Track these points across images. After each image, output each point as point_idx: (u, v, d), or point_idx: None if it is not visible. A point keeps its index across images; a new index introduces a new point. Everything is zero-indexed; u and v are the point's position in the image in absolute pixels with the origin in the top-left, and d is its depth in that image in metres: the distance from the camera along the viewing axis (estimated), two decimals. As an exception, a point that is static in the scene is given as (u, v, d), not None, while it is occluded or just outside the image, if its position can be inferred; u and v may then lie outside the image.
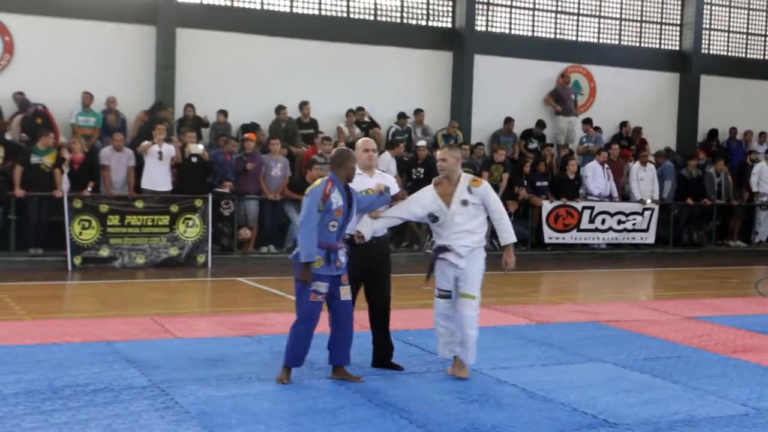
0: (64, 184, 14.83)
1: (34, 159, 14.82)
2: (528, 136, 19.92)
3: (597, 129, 20.77)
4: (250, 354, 8.27)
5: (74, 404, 6.52)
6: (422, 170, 16.94)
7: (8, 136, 15.64)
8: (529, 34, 21.27)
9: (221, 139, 16.47)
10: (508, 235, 7.75)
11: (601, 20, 22.13)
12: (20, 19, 16.80)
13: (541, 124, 20.22)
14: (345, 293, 7.34)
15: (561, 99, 20.90)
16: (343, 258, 7.30)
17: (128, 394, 6.81)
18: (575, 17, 21.82)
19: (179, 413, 6.38)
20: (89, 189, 14.96)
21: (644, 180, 19.23)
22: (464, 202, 7.53)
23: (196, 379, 7.30)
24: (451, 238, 7.54)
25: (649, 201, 19.05)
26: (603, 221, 18.77)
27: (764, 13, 24.06)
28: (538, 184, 18.38)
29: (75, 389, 6.91)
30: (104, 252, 14.46)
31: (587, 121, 20.82)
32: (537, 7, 21.36)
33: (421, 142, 17.94)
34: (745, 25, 23.89)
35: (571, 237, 18.51)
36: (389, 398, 6.94)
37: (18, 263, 14.36)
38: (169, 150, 15.35)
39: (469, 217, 7.56)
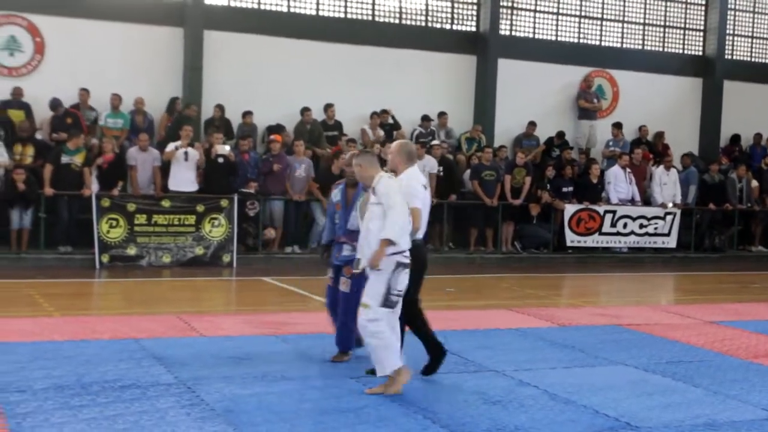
0: (93, 183, 14.92)
1: (64, 158, 14.92)
2: (551, 144, 19.84)
3: (621, 132, 20.69)
4: (275, 353, 8.29)
5: (102, 400, 6.55)
6: (441, 168, 16.98)
7: (39, 136, 15.75)
8: (553, 38, 21.23)
9: (240, 142, 16.51)
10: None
11: (625, 25, 22.05)
12: (51, 20, 16.90)
13: (561, 135, 20.10)
14: (343, 285, 7.70)
15: (588, 100, 20.91)
16: (344, 251, 7.65)
17: (155, 391, 6.83)
18: (599, 22, 21.74)
19: (205, 410, 6.40)
20: (118, 188, 15.05)
21: (667, 184, 19.17)
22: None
23: (222, 377, 7.31)
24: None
25: (670, 205, 18.97)
26: (625, 225, 18.69)
27: (788, 19, 23.95)
28: (564, 189, 18.34)
29: (103, 385, 6.93)
30: (131, 250, 14.53)
31: (617, 126, 20.70)
32: (561, 11, 21.30)
33: (435, 141, 18.00)
34: (769, 31, 23.80)
35: (593, 240, 18.44)
36: (412, 398, 6.92)
37: (47, 260, 14.46)
38: (194, 151, 15.40)
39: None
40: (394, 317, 7.08)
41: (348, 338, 7.92)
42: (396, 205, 6.85)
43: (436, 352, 7.54)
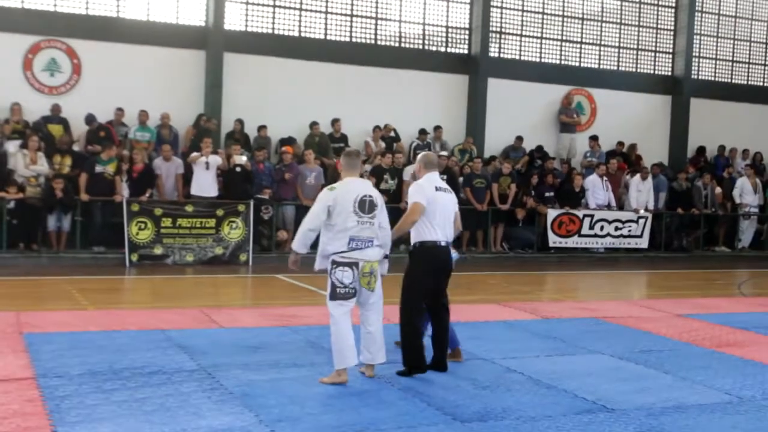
0: (124, 190, 14.94)
1: (98, 168, 14.96)
2: (533, 156, 19.86)
3: (598, 145, 20.73)
4: (287, 342, 8.30)
5: (132, 384, 6.58)
6: (445, 177, 16.98)
7: (75, 148, 15.80)
8: (537, 60, 21.24)
9: (256, 153, 16.55)
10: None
11: (602, 48, 22.07)
12: (87, 44, 16.95)
13: (539, 149, 20.06)
14: None
15: (568, 116, 20.97)
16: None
17: (179, 377, 6.86)
18: (578, 45, 21.76)
19: (224, 394, 6.42)
20: (147, 195, 15.09)
21: (642, 192, 19.19)
22: None
23: (239, 364, 7.33)
24: None
25: (642, 210, 19.00)
26: (602, 228, 18.71)
27: (747, 43, 23.92)
28: (546, 195, 18.38)
29: (133, 371, 6.96)
30: (158, 250, 14.54)
31: (594, 138, 20.75)
32: (544, 36, 21.34)
33: (443, 153, 18.00)
34: (731, 54, 23.75)
35: (573, 242, 18.44)
36: (410, 383, 6.94)
37: (83, 259, 14.49)
38: (215, 160, 15.47)
39: None
40: (366, 314, 7.00)
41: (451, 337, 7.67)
42: (308, 214, 6.94)
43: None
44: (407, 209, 7.19)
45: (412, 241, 7.23)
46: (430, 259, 7.17)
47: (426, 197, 7.08)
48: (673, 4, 22.70)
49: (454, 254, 7.54)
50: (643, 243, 19.11)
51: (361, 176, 7.36)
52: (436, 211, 7.13)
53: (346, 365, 6.79)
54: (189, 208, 14.90)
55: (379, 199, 7.06)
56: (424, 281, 7.17)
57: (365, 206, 6.89)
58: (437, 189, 7.22)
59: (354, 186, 6.99)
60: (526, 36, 21.13)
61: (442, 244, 7.19)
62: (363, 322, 7.03)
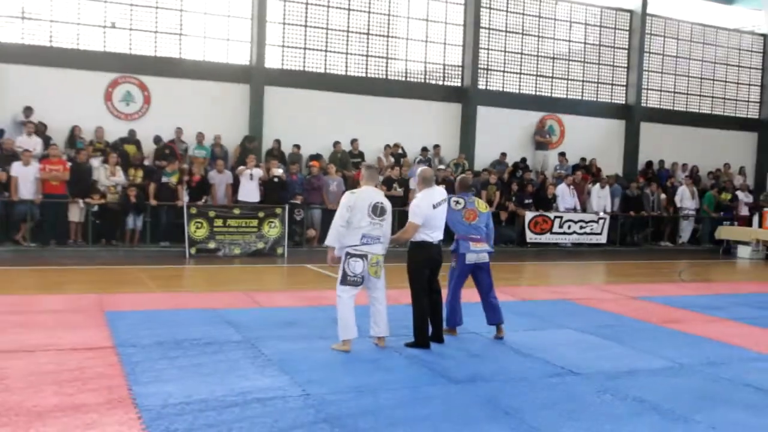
0: (185, 196, 15.01)
1: (163, 179, 15.04)
2: (516, 169, 19.85)
3: (566, 160, 20.71)
4: (315, 319, 8.32)
5: (191, 353, 6.63)
6: (443, 186, 16.93)
7: (146, 162, 15.89)
8: (517, 91, 21.20)
9: (290, 166, 16.60)
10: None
11: (569, 81, 22.01)
12: (155, 80, 17.02)
13: (524, 160, 20.14)
14: None
15: (542, 136, 20.95)
16: None
17: (228, 347, 6.90)
18: (550, 79, 21.71)
19: (264, 360, 6.46)
20: (203, 201, 15.14)
21: (601, 197, 19.16)
22: None
23: (276, 337, 7.37)
24: None
25: (602, 212, 18.96)
26: (569, 227, 18.65)
27: (686, 78, 23.83)
28: (525, 201, 18.35)
29: (191, 342, 7.01)
30: (211, 245, 14.57)
31: (562, 154, 20.73)
32: (522, 71, 21.29)
33: (441, 166, 18.05)
34: (673, 86, 23.66)
35: (546, 238, 18.39)
36: (415, 353, 6.96)
37: (151, 252, 14.55)
38: (258, 172, 15.52)
39: None
40: (370, 295, 7.02)
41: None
42: (335, 216, 6.93)
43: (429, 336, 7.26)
44: (406, 224, 7.13)
45: (411, 240, 7.23)
46: (424, 253, 7.16)
47: (422, 217, 7.04)
48: (626, 47, 22.63)
49: (488, 249, 7.66)
50: (603, 239, 19.03)
51: (376, 186, 7.37)
52: (430, 223, 7.11)
53: (348, 337, 6.85)
54: (236, 211, 14.94)
55: (388, 207, 7.08)
56: (422, 271, 7.18)
57: (377, 211, 6.93)
58: (434, 206, 7.14)
59: (370, 193, 7.02)
60: (507, 72, 21.09)
61: (435, 243, 7.18)
62: (372, 302, 7.06)
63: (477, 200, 7.81)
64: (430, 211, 7.09)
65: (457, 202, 7.68)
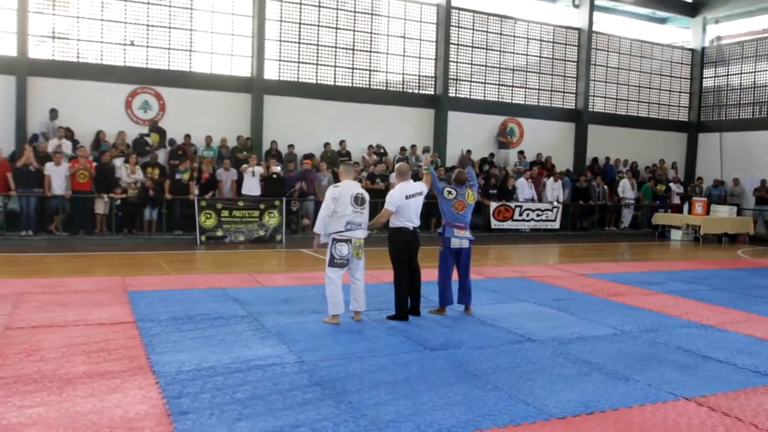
0: (195, 191, 14.90)
1: (177, 176, 14.89)
2: (483, 163, 19.88)
3: (524, 157, 20.75)
4: (309, 296, 8.32)
5: (202, 326, 6.61)
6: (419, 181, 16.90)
7: (161, 162, 15.75)
8: (482, 98, 21.19)
9: (287, 164, 16.51)
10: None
11: (527, 90, 22.02)
12: (169, 90, 16.84)
13: (492, 155, 20.15)
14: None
15: (504, 137, 20.94)
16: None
17: (234, 321, 6.88)
18: (510, 87, 21.71)
19: (266, 333, 6.45)
20: (211, 195, 15.03)
21: (555, 189, 19.21)
22: None
23: (276, 312, 7.36)
24: None
25: (555, 202, 19.03)
26: (527, 215, 18.70)
27: (627, 86, 23.91)
28: (491, 192, 18.35)
29: (202, 317, 6.99)
30: (219, 233, 14.50)
31: (521, 152, 20.75)
32: (487, 81, 21.26)
33: (419, 163, 17.97)
34: (615, 94, 23.72)
35: (508, 225, 18.42)
36: (395, 324, 6.99)
37: (167, 239, 14.45)
38: (259, 170, 15.41)
39: None
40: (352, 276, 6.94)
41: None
42: (322, 206, 6.85)
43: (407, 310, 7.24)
44: (382, 210, 7.16)
45: (390, 226, 7.24)
46: (402, 237, 7.16)
47: (395, 205, 7.05)
48: (575, 60, 22.66)
49: (469, 236, 7.57)
50: (556, 225, 19.10)
51: (354, 180, 7.34)
52: (402, 211, 7.10)
53: (337, 312, 6.84)
54: (240, 203, 14.85)
55: (367, 197, 7.07)
56: (402, 252, 7.18)
57: (359, 200, 6.94)
58: (407, 197, 7.14)
59: (351, 186, 7.02)
60: (474, 81, 21.05)
61: (410, 228, 7.17)
62: (353, 281, 7.05)
63: (468, 192, 7.74)
64: (403, 201, 7.10)
65: (450, 192, 7.65)
